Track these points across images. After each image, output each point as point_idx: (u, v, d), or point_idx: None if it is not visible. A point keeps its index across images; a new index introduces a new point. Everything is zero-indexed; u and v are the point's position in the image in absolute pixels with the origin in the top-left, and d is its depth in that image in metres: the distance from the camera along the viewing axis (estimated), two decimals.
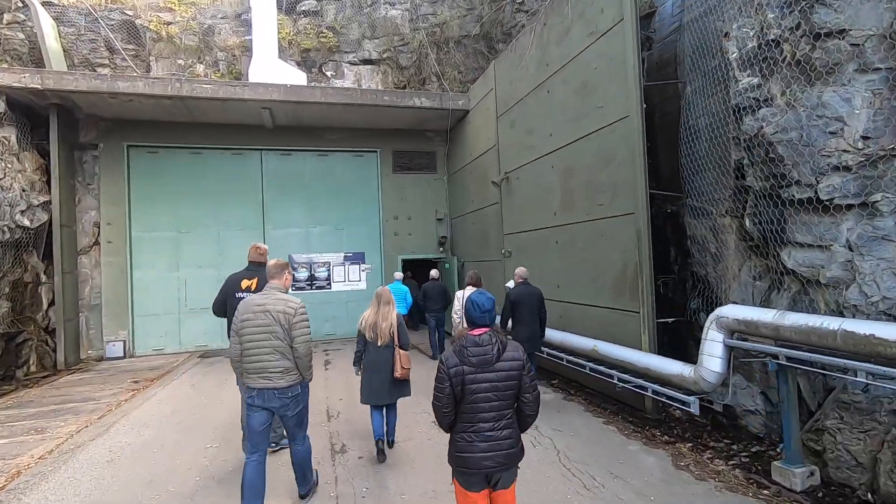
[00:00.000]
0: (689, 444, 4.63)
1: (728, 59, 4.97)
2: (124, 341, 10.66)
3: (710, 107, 5.42)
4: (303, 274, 11.98)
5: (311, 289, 12.03)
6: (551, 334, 7.12)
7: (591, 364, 6.06)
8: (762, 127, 4.43)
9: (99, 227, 10.70)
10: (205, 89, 9.67)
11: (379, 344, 4.48)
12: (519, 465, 2.53)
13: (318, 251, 12.11)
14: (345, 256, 12.29)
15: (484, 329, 2.51)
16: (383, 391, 4.51)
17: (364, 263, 12.41)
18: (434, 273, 10.27)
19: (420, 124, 12.32)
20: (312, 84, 11.59)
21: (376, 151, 12.57)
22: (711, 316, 4.44)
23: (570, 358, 6.49)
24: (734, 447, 4.55)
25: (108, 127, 10.81)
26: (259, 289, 4.23)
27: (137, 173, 11.06)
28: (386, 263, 12.46)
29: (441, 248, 12.87)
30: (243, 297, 3.83)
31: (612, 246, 6.09)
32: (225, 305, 4.57)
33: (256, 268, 4.64)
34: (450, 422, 2.51)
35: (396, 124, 12.21)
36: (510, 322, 5.99)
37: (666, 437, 4.87)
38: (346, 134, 12.28)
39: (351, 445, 5.02)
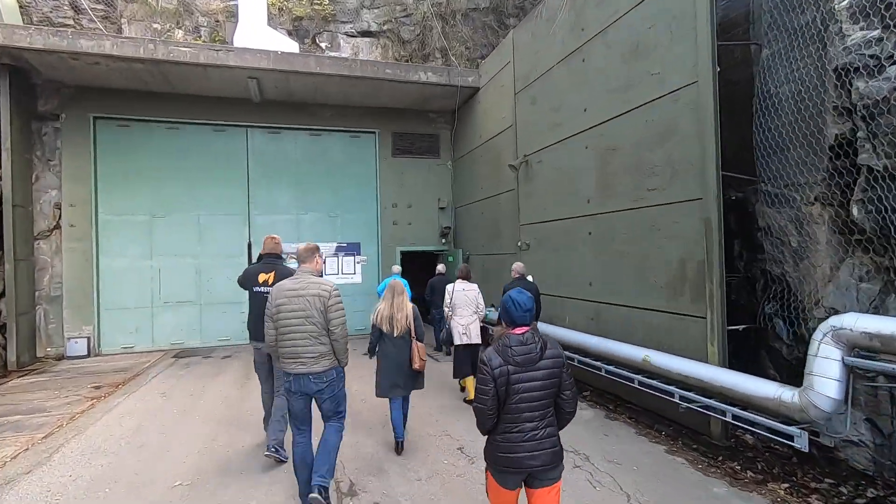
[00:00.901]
0: (786, 485, 3.74)
1: (833, 8, 4.03)
2: (88, 338, 9.45)
3: (797, 72, 4.49)
4: (291, 264, 10.82)
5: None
6: (583, 339, 6.20)
7: (639, 377, 5.14)
8: (895, 88, 3.51)
9: (60, 209, 9.44)
10: (183, 53, 8.47)
11: (395, 335, 4.49)
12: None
13: (308, 240, 10.96)
14: (338, 247, 11.21)
15: (526, 328, 2.47)
16: (400, 383, 4.53)
17: (359, 255, 11.35)
18: (441, 267, 9.36)
19: (423, 104, 11.24)
20: (306, 52, 10.41)
21: (374, 132, 11.47)
22: (823, 327, 3.53)
23: (611, 369, 5.57)
24: (842, 489, 3.66)
25: (72, 95, 9.53)
26: (275, 283, 4.04)
27: (106, 149, 9.80)
28: (383, 255, 11.41)
29: (444, 240, 11.85)
30: (261, 291, 4.23)
31: (667, 238, 5.16)
32: (243, 286, 4.61)
33: (273, 260, 4.57)
34: (493, 424, 2.46)
35: (397, 103, 11.12)
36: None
37: (750, 472, 3.97)
38: (341, 112, 11.15)
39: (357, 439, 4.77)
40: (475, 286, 6.29)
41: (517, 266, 6.52)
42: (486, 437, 2.54)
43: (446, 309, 6.19)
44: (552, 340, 2.52)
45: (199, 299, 10.25)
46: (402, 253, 11.57)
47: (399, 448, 4.55)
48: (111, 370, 8.17)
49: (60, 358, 9.19)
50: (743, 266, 5.31)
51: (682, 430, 4.90)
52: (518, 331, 2.45)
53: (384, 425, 5.14)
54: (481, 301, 6.18)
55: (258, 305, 4.29)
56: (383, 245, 11.43)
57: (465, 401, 6.06)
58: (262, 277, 4.42)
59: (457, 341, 5.92)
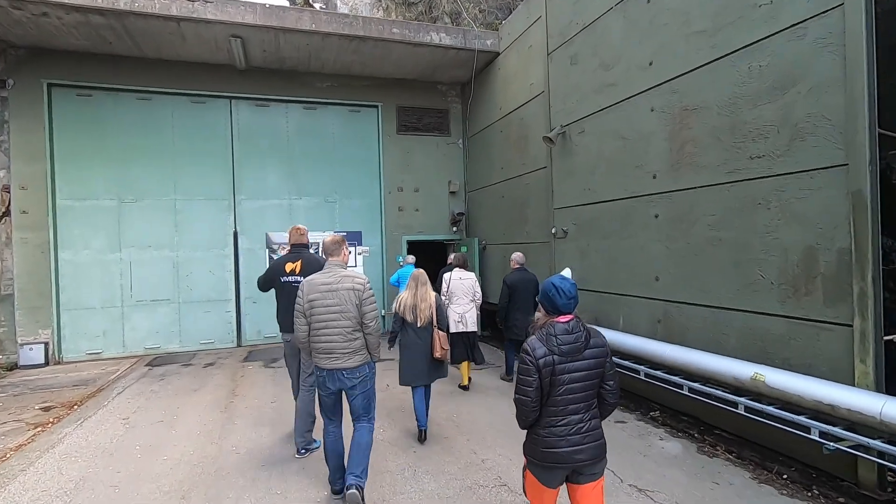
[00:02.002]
0: None
1: None
2: (46, 343, 8.08)
3: None
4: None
5: None
6: (651, 347, 5.02)
7: (744, 400, 3.95)
8: None
9: (9, 193, 8.01)
10: (151, 2, 7.04)
11: (419, 325, 4.52)
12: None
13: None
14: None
15: (570, 316, 2.33)
16: (423, 372, 4.55)
17: (361, 245, 10.04)
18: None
19: (432, 73, 9.91)
20: (299, 6, 8.98)
21: (377, 106, 10.11)
22: None
23: (698, 387, 4.38)
24: None
25: (21, 57, 8.06)
26: (303, 271, 4.25)
27: (64, 122, 8.36)
28: (388, 245, 10.12)
29: (455, 228, 10.58)
30: (289, 282, 4.25)
31: (782, 220, 3.94)
32: (269, 283, 4.53)
33: (299, 250, 4.53)
34: (535, 417, 2.31)
35: (403, 72, 9.77)
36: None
37: None
38: (339, 82, 9.77)
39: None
40: (472, 275, 6.45)
41: (517, 256, 6.59)
42: (526, 432, 2.41)
43: (443, 297, 6.15)
44: (595, 330, 2.41)
45: (176, 297, 8.90)
46: (409, 243, 10.29)
47: (422, 436, 4.58)
48: (70, 383, 6.83)
49: (12, 368, 7.81)
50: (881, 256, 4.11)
51: (812, 473, 3.72)
52: (562, 319, 2.33)
53: (403, 410, 5.30)
54: (478, 289, 6.36)
55: (287, 296, 4.24)
56: (388, 234, 10.13)
57: (460, 386, 6.24)
58: (289, 267, 4.36)
59: (452, 329, 5.93)
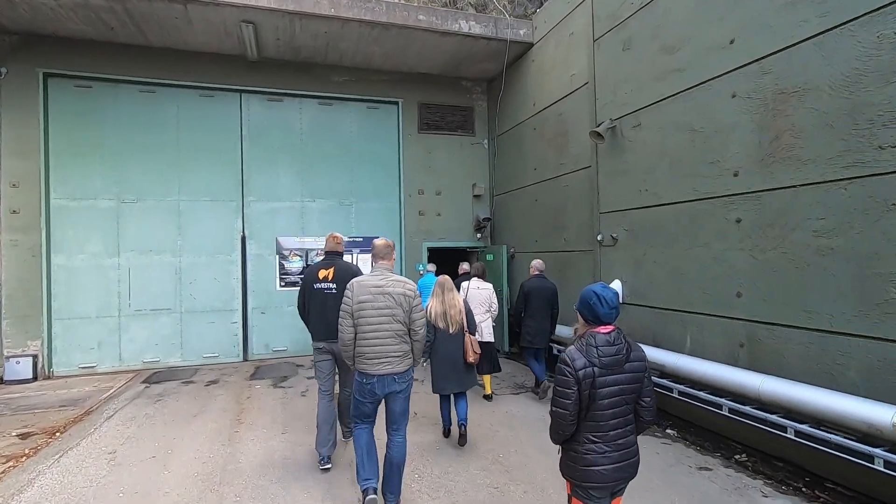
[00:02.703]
0: None
1: None
2: (35, 356, 7.36)
3: None
4: (295, 264, 8.80)
5: None
6: (733, 377, 4.20)
7: (882, 453, 3.12)
8: None
9: None
10: None
11: (451, 332, 4.52)
12: None
13: (316, 234, 8.93)
14: (353, 242, 9.15)
15: (612, 327, 2.21)
16: (456, 379, 4.52)
17: None
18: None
19: (455, 68, 9.19)
20: None
21: (397, 103, 9.40)
22: None
23: (808, 430, 3.55)
24: None
25: (14, 44, 7.43)
26: (336, 279, 4.19)
27: (60, 114, 7.70)
28: (407, 252, 9.35)
29: (479, 234, 9.80)
30: (321, 289, 4.21)
31: None
32: (302, 290, 4.38)
33: (333, 257, 4.42)
34: (571, 432, 2.18)
35: (426, 65, 9.06)
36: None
37: None
38: (358, 76, 9.08)
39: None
40: (490, 285, 6.22)
41: (537, 262, 6.39)
42: (560, 448, 2.29)
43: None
44: (635, 343, 2.27)
45: (179, 307, 8.16)
46: (430, 250, 9.53)
47: (463, 440, 4.58)
48: (56, 403, 6.09)
49: None
50: None
51: None
52: (604, 329, 2.19)
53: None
54: (495, 300, 6.11)
55: (319, 303, 4.22)
56: (407, 240, 9.37)
57: (484, 396, 6.13)
58: (322, 274, 4.31)
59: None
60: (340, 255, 4.50)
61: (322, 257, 4.50)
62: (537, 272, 6.24)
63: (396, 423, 3.39)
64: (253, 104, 8.66)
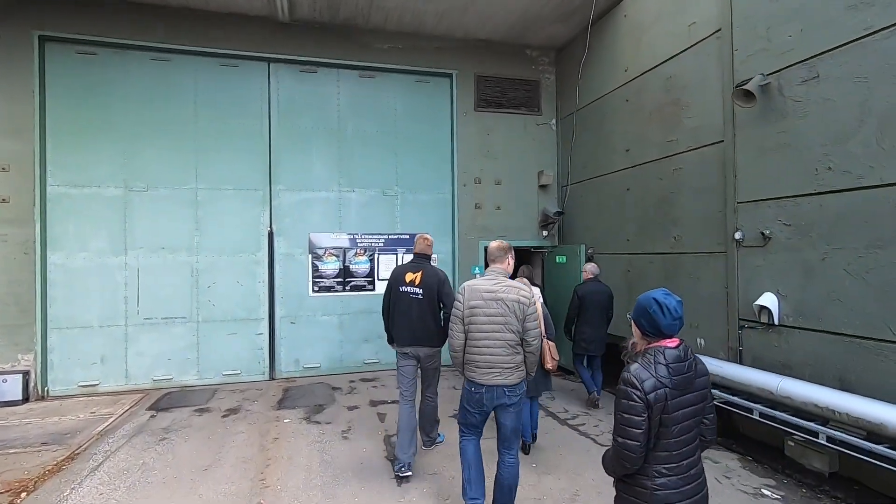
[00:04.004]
0: None
1: None
2: (27, 372, 6.17)
3: None
4: (330, 265, 7.44)
5: (344, 289, 7.48)
6: None
7: None
8: None
9: None
10: None
11: None
12: None
13: (355, 230, 7.56)
14: (398, 239, 7.74)
15: (678, 340, 1.93)
16: (532, 383, 3.99)
17: None
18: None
19: (520, 34, 7.70)
20: None
21: (450, 75, 7.94)
22: None
23: None
24: None
25: (7, 2, 6.26)
26: (422, 284, 4.10)
27: (59, 86, 6.51)
28: (461, 253, 7.89)
29: (545, 232, 8.26)
30: (407, 292, 4.11)
31: None
32: (387, 292, 4.31)
33: (421, 260, 4.30)
34: (640, 466, 1.87)
35: (485, 30, 7.59)
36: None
37: None
38: (405, 42, 7.65)
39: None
40: (537, 291, 4.98)
41: (591, 266, 6.10)
42: (619, 483, 1.99)
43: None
44: (698, 356, 2.02)
45: (195, 315, 6.89)
46: (486, 249, 8.03)
47: (526, 448, 4.37)
48: (38, 440, 4.83)
49: None
50: None
51: None
52: (671, 343, 1.90)
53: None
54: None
55: (405, 306, 4.11)
56: (461, 238, 7.91)
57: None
58: (409, 277, 4.15)
59: None
60: (429, 258, 4.34)
61: (410, 258, 4.38)
62: (591, 276, 6.00)
63: (508, 441, 3.15)
64: (283, 76, 7.32)
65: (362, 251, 7.56)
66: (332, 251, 7.46)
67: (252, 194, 7.15)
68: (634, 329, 2.00)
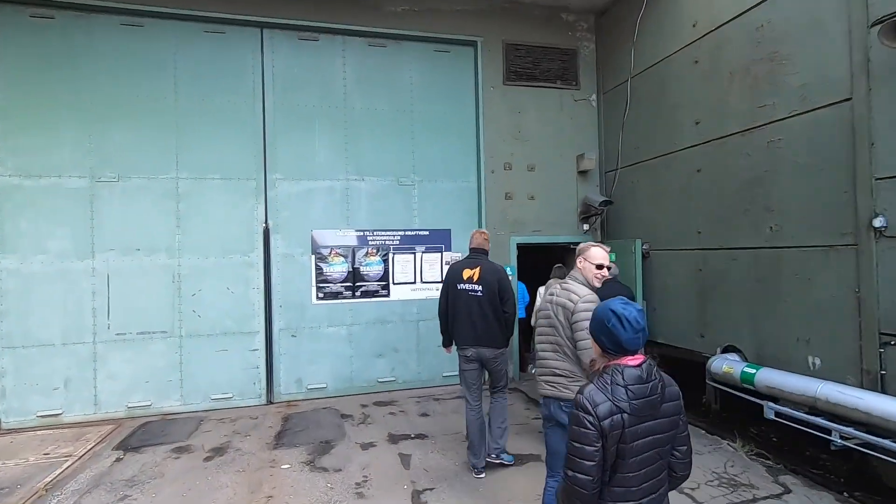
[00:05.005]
0: None
1: None
2: None
3: None
4: (337, 267, 6.31)
5: (353, 296, 6.35)
6: None
7: None
8: None
9: None
10: None
11: None
12: None
13: (365, 225, 6.43)
14: (415, 236, 6.60)
15: (641, 357, 1.69)
16: None
17: (451, 251, 6.71)
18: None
19: None
20: None
21: (475, 43, 6.79)
22: None
23: None
24: None
25: None
26: (481, 281, 3.89)
27: (11, 57, 5.43)
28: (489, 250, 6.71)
29: (586, 226, 7.10)
30: (465, 289, 3.92)
31: None
32: (444, 290, 4.12)
33: (478, 255, 4.08)
34: (594, 501, 1.62)
35: None
36: None
37: None
38: (422, 4, 6.52)
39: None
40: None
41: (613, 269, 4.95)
42: None
43: (534, 318, 4.21)
44: (668, 376, 1.75)
45: (177, 329, 5.78)
46: (521, 248, 6.89)
47: None
48: None
49: None
50: None
51: None
52: (632, 361, 1.67)
53: None
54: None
55: (464, 305, 3.94)
56: (490, 234, 6.72)
57: None
58: (466, 273, 3.97)
59: None
60: (486, 253, 4.14)
61: (466, 254, 4.15)
62: (610, 277, 5.14)
63: (552, 465, 2.76)
64: (279, 44, 6.20)
65: (374, 250, 6.43)
66: (338, 251, 6.33)
67: (243, 184, 6.04)
68: (594, 346, 1.79)
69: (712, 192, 5.15)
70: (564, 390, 2.69)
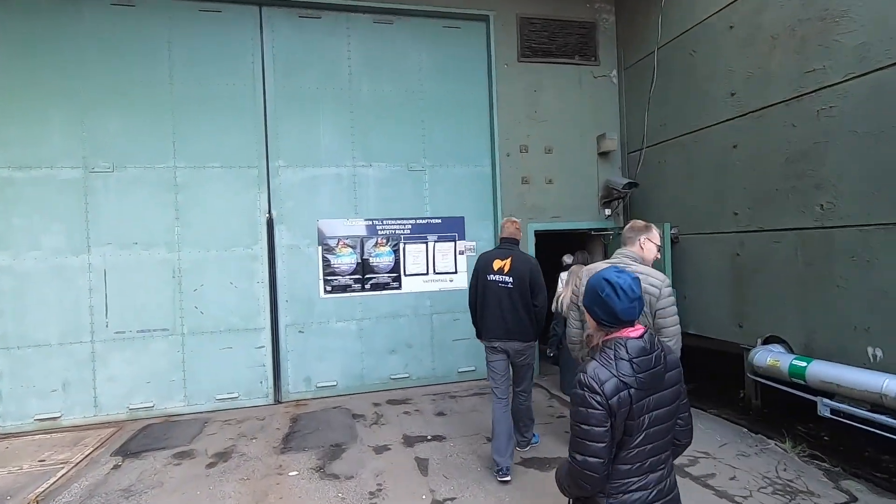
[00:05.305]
0: None
1: None
2: None
3: None
4: (345, 259, 5.97)
5: (363, 289, 6.02)
6: None
7: None
8: None
9: None
10: None
11: None
12: None
13: (374, 214, 6.08)
14: (427, 225, 6.24)
15: (640, 327, 1.61)
16: None
17: (465, 240, 6.34)
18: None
19: None
20: None
21: (487, 18, 6.37)
22: None
23: None
24: None
25: None
26: (512, 272, 3.71)
27: None
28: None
29: (608, 211, 6.69)
30: (495, 280, 3.76)
31: None
32: (473, 282, 3.93)
33: (510, 245, 3.90)
34: (603, 484, 1.55)
35: None
36: None
37: None
38: None
39: None
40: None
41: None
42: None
43: (556, 304, 4.74)
44: (666, 343, 1.76)
45: (179, 326, 5.50)
46: (538, 235, 6.50)
47: None
48: None
49: None
50: None
51: None
52: (633, 332, 1.58)
53: None
54: None
55: (494, 296, 3.74)
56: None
57: None
58: (497, 264, 3.79)
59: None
60: (518, 242, 3.93)
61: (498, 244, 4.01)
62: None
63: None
64: (278, 23, 5.83)
65: (384, 241, 6.08)
66: (346, 241, 5.99)
67: (245, 173, 5.71)
68: (589, 319, 1.68)
69: (751, 170, 4.71)
70: None
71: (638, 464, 1.56)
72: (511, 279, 3.71)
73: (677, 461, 3.80)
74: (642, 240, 2.71)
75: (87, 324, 5.28)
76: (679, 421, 1.68)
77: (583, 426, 1.51)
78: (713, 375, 5.64)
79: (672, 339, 2.54)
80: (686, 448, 1.76)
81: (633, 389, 1.51)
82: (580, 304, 2.63)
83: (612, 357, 1.54)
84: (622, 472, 1.56)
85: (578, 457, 1.53)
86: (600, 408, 1.48)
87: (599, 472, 1.51)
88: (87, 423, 5.22)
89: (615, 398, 1.49)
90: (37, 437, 4.97)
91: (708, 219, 5.27)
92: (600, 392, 1.49)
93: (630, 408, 1.50)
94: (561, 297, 4.55)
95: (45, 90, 5.20)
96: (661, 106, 5.94)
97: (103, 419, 5.27)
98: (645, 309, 2.47)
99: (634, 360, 1.53)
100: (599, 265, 2.78)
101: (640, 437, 1.54)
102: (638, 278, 1.65)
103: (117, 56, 5.38)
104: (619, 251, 2.80)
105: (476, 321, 3.93)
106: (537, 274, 3.75)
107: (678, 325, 2.62)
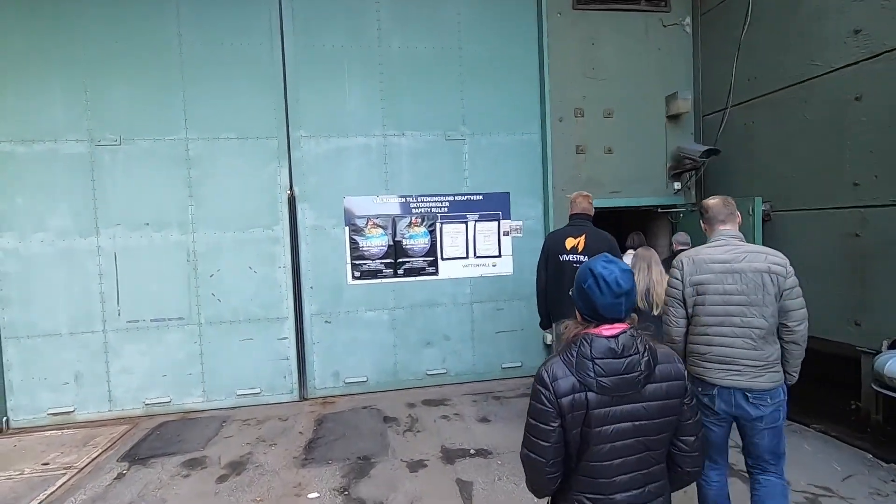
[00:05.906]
0: None
1: None
2: None
3: None
4: (375, 241, 5.31)
5: (395, 274, 5.36)
6: None
7: None
8: None
9: None
10: None
11: (654, 313, 3.44)
12: None
13: (407, 190, 5.37)
14: (467, 202, 5.49)
15: (621, 325, 1.42)
16: None
17: (510, 219, 5.56)
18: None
19: None
20: None
21: None
22: None
23: None
24: None
25: None
26: (587, 250, 3.44)
27: None
28: (556, 218, 5.50)
29: (678, 184, 5.74)
30: (569, 261, 3.54)
31: None
32: (544, 263, 3.69)
33: (582, 221, 3.64)
34: (553, 488, 1.47)
35: None
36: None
37: None
38: None
39: None
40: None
41: (681, 238, 4.80)
42: None
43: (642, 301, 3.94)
44: (665, 350, 1.47)
45: (195, 315, 5.01)
46: (595, 213, 5.63)
47: None
48: None
49: None
50: None
51: None
52: (606, 331, 1.41)
53: None
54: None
55: (566, 279, 3.44)
56: (557, 196, 5.52)
57: None
58: (570, 243, 3.55)
59: None
60: (591, 218, 3.69)
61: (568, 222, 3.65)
62: (681, 247, 4.50)
63: (763, 464, 2.29)
64: None
65: (418, 220, 5.38)
66: (376, 221, 5.32)
67: (263, 144, 5.10)
68: (577, 312, 1.54)
69: (881, 127, 3.71)
70: (757, 380, 2.23)
71: (604, 479, 1.41)
72: (586, 258, 3.36)
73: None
74: (738, 216, 2.43)
75: (99, 312, 4.86)
76: (680, 444, 1.48)
77: (531, 421, 1.43)
78: (822, 384, 4.70)
79: (800, 322, 2.24)
80: (693, 479, 1.51)
81: (591, 393, 1.37)
82: (682, 295, 2.36)
83: (575, 354, 1.41)
84: (582, 483, 1.44)
85: (523, 451, 1.47)
86: (549, 405, 1.39)
87: (542, 473, 1.42)
88: (101, 418, 4.84)
89: (567, 398, 1.37)
90: (48, 432, 4.62)
91: (814, 191, 4.29)
92: (550, 388, 1.39)
93: (586, 413, 1.37)
94: (647, 290, 3.64)
95: (46, 57, 4.70)
96: (750, 57, 4.90)
97: (118, 414, 4.88)
98: (771, 290, 2.21)
99: (598, 360, 1.38)
100: (705, 249, 2.38)
101: (605, 449, 1.39)
102: (629, 271, 1.43)
103: (120, 18, 4.82)
104: (719, 232, 2.40)
105: (542, 307, 3.67)
106: (616, 252, 3.48)
107: (805, 308, 2.26)
